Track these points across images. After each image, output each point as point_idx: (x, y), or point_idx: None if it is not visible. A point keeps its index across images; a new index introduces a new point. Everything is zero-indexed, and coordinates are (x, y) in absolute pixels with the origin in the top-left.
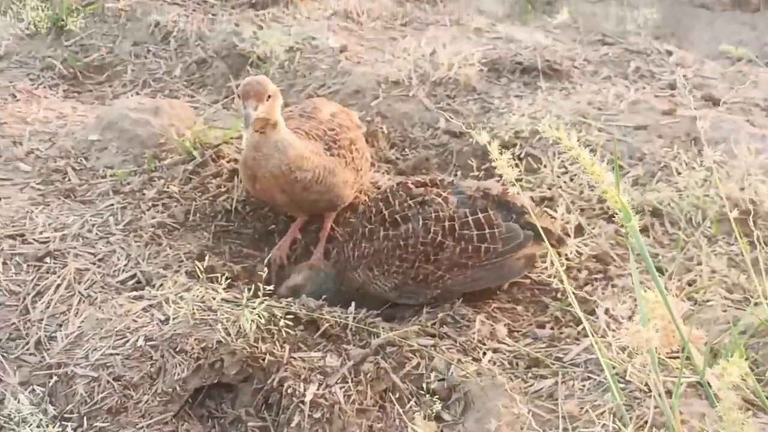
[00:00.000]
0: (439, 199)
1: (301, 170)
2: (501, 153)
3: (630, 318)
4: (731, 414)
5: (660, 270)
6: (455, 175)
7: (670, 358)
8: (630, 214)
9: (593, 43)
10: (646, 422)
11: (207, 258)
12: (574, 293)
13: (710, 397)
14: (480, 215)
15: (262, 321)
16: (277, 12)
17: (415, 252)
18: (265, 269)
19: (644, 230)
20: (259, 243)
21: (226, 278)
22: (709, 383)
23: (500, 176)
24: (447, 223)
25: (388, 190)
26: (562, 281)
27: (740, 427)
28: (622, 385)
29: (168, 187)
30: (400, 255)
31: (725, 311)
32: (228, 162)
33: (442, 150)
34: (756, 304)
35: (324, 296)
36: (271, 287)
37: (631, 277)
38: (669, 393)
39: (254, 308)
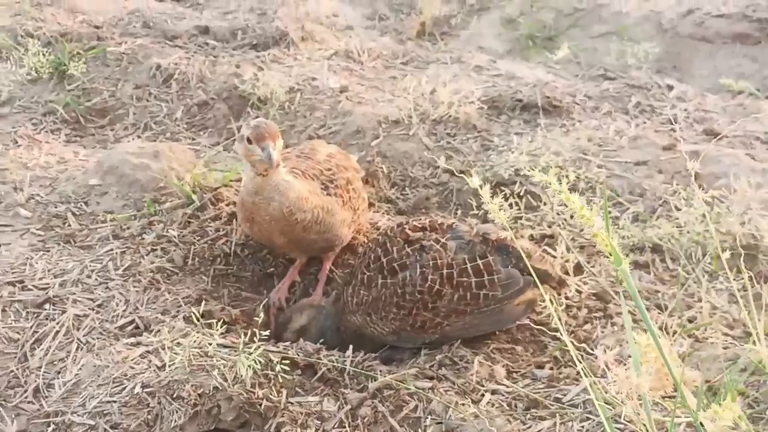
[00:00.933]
0: (438, 246)
1: (301, 211)
2: (493, 196)
3: (630, 356)
4: None
5: (660, 307)
6: (456, 214)
7: (666, 398)
8: (620, 258)
9: (594, 78)
10: None
11: (204, 303)
12: (573, 332)
13: None
14: (479, 261)
15: (259, 366)
16: (278, 53)
17: (413, 300)
18: (262, 314)
19: (645, 266)
20: (258, 286)
21: (224, 323)
22: (703, 425)
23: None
24: (445, 271)
25: (386, 236)
26: (560, 319)
27: None
28: (620, 426)
29: (167, 232)
30: (397, 302)
31: (726, 348)
32: (227, 205)
33: (443, 189)
34: (755, 341)
35: (327, 334)
36: (268, 332)
37: (630, 316)
38: None
39: (251, 353)
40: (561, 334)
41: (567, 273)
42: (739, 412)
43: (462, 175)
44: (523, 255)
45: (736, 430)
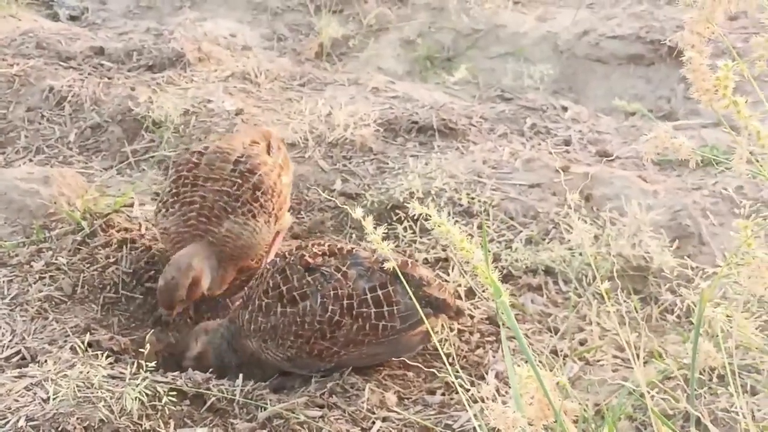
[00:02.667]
0: (338, 275)
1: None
2: (376, 227)
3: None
4: None
5: (552, 330)
6: (351, 238)
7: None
8: (500, 290)
9: (491, 99)
10: None
11: (92, 332)
12: (465, 356)
13: None
14: (379, 292)
15: (146, 397)
16: (173, 75)
17: (311, 329)
18: (148, 345)
19: (538, 289)
20: (149, 314)
21: (112, 352)
22: None
23: (398, 242)
24: (345, 302)
25: (285, 262)
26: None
27: None
28: None
29: (56, 259)
30: (296, 331)
31: (615, 371)
32: (118, 231)
33: (338, 212)
34: (645, 362)
35: (225, 357)
36: (154, 363)
37: (521, 345)
38: None
39: (137, 384)
40: (454, 359)
41: (459, 297)
42: None
43: (346, 205)
44: (416, 284)
45: None
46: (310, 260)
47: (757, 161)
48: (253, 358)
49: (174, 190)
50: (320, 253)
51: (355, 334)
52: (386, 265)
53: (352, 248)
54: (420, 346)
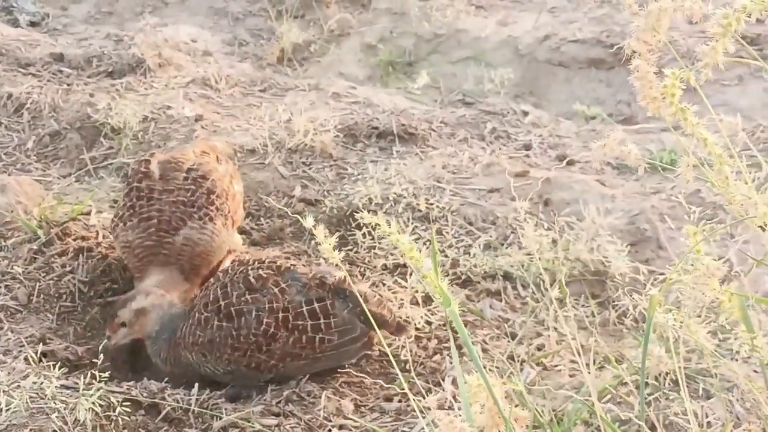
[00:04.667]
0: (276, 290)
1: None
2: (328, 235)
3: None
4: None
5: (510, 335)
6: (310, 244)
7: None
8: (450, 300)
9: (453, 103)
10: None
11: (46, 343)
12: (422, 363)
13: None
14: (316, 305)
15: (100, 408)
16: (133, 81)
17: (247, 342)
18: (101, 354)
19: (497, 294)
20: (105, 324)
21: (68, 362)
22: None
23: (357, 248)
24: (281, 315)
25: (227, 279)
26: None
27: None
28: None
29: (12, 268)
30: (232, 344)
31: (572, 376)
32: (75, 240)
33: (297, 219)
34: (600, 367)
35: (164, 333)
36: (107, 374)
37: (471, 353)
38: None
39: (91, 395)
40: (411, 365)
41: (417, 303)
42: None
43: (296, 216)
44: (363, 296)
45: None
46: (252, 280)
47: (707, 167)
48: (190, 370)
49: (129, 203)
50: (264, 275)
51: (291, 347)
52: (329, 279)
53: (291, 265)
54: (361, 353)
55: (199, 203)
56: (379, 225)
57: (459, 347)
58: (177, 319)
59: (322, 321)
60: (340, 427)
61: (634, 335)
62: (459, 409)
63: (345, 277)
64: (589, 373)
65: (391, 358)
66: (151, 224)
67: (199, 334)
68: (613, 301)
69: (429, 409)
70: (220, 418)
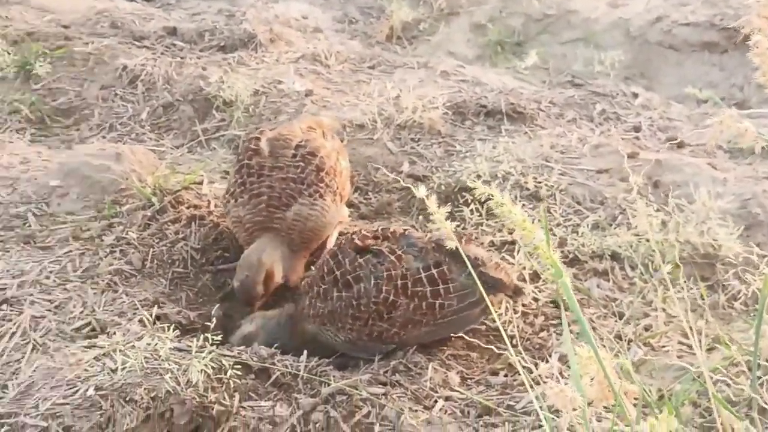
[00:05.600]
0: (392, 257)
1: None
2: (455, 203)
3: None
4: None
5: (617, 314)
6: (417, 219)
7: (607, 409)
8: (561, 271)
9: (562, 84)
10: None
11: (160, 306)
12: (528, 339)
13: None
14: (434, 271)
15: (212, 370)
16: (245, 55)
17: (367, 311)
18: (215, 318)
19: (604, 274)
20: (216, 291)
21: (180, 326)
22: None
23: (464, 224)
24: (399, 282)
25: (338, 248)
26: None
27: None
28: None
29: (126, 234)
30: (352, 314)
31: (680, 357)
32: (187, 208)
33: (405, 194)
34: (710, 349)
35: (276, 345)
36: (220, 337)
37: (581, 325)
38: None
39: (203, 357)
40: (517, 340)
41: (524, 280)
42: (675, 425)
43: (409, 185)
44: (482, 259)
45: None
46: (359, 242)
47: None
48: (314, 343)
49: (240, 180)
50: (371, 236)
51: (412, 314)
52: (445, 243)
53: (405, 230)
54: (480, 319)
55: (309, 180)
56: (492, 196)
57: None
58: (285, 328)
59: (441, 287)
60: (446, 398)
61: (745, 318)
62: (566, 383)
63: (461, 241)
64: (700, 351)
65: (502, 331)
66: (261, 200)
67: (319, 306)
68: (723, 284)
69: (538, 383)
70: (328, 385)
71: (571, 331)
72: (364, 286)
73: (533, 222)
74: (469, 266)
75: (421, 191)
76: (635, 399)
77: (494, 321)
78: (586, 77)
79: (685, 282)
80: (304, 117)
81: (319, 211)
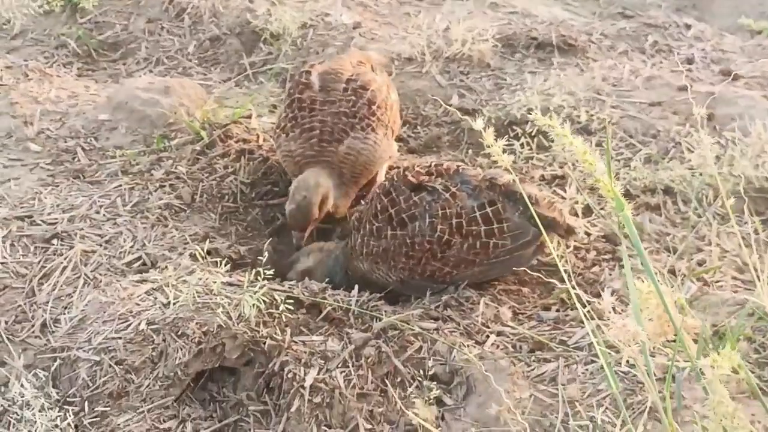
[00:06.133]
0: (447, 195)
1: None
2: (505, 136)
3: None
4: (721, 408)
5: (670, 249)
6: (467, 153)
7: (667, 345)
8: (623, 204)
9: (612, 16)
10: (647, 407)
11: (211, 241)
12: (581, 274)
13: (704, 387)
14: (488, 209)
15: (263, 305)
16: None
17: (422, 249)
18: (266, 253)
19: (656, 208)
20: (265, 226)
21: (230, 260)
22: (702, 372)
23: (515, 158)
24: (454, 221)
25: (391, 185)
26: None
27: (731, 419)
28: (626, 369)
29: (176, 168)
30: (406, 252)
31: (735, 292)
32: (236, 142)
33: (454, 128)
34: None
35: (335, 278)
36: (272, 271)
37: (639, 259)
38: (673, 378)
39: (255, 292)
40: (570, 275)
41: (576, 215)
42: (738, 361)
43: (466, 116)
44: (535, 198)
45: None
46: (413, 179)
47: None
48: (363, 280)
49: (291, 114)
50: (424, 172)
51: (465, 253)
52: (500, 180)
53: (458, 166)
54: (533, 259)
55: (361, 114)
56: (552, 126)
57: (618, 259)
58: (341, 261)
59: (495, 226)
60: (498, 333)
61: None
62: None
63: (514, 179)
64: (759, 285)
65: (559, 265)
66: (313, 135)
67: (372, 244)
68: None
69: (592, 318)
70: (380, 320)
71: (622, 266)
72: (419, 224)
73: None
74: (529, 204)
75: (477, 124)
76: (696, 334)
77: (547, 256)
78: (637, 8)
79: (738, 216)
80: (352, 51)
81: (371, 145)
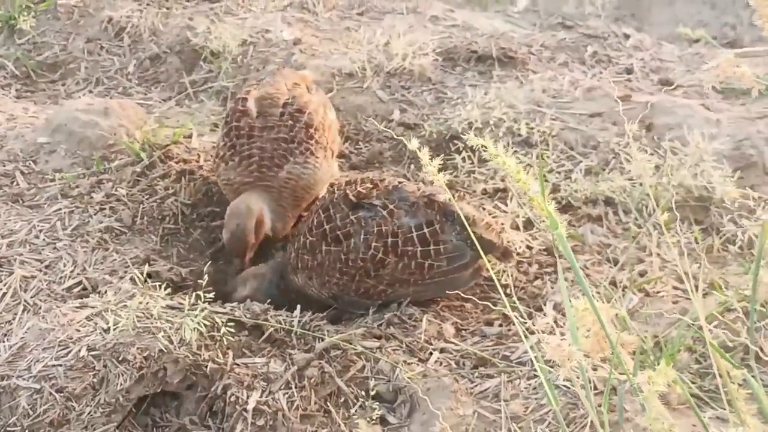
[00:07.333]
0: (384, 212)
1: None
2: (433, 158)
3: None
4: (657, 424)
5: (612, 261)
6: (409, 168)
7: (604, 360)
8: (557, 222)
9: (553, 27)
10: (589, 422)
11: (151, 264)
12: (523, 287)
13: (641, 403)
14: (425, 230)
15: (205, 328)
16: (231, 5)
17: (355, 266)
18: (206, 276)
19: (598, 219)
20: (207, 247)
21: (171, 283)
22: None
23: (456, 172)
24: (390, 239)
25: (330, 201)
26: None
27: None
28: (568, 384)
29: (116, 190)
30: (340, 268)
31: (675, 302)
32: (177, 163)
33: (396, 143)
34: (705, 294)
35: (275, 300)
36: (212, 294)
37: (578, 277)
38: (614, 390)
39: (196, 315)
40: (512, 290)
41: (517, 228)
42: (673, 377)
43: (405, 134)
44: (467, 224)
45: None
46: (353, 198)
47: None
48: (299, 295)
49: (230, 143)
50: (365, 190)
51: (400, 273)
52: (438, 198)
53: (398, 182)
54: (470, 283)
55: (299, 138)
56: (485, 147)
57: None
58: (275, 281)
59: (431, 247)
60: (441, 350)
61: (740, 262)
62: (562, 333)
63: (451, 199)
64: (695, 297)
65: (496, 281)
66: (252, 161)
67: (306, 258)
68: (718, 227)
69: (533, 332)
70: (322, 340)
71: (565, 279)
72: (354, 241)
73: (527, 170)
74: (467, 226)
75: (413, 143)
76: (632, 350)
77: (487, 270)
78: (577, 19)
79: (679, 226)
80: (286, 72)
81: (311, 170)
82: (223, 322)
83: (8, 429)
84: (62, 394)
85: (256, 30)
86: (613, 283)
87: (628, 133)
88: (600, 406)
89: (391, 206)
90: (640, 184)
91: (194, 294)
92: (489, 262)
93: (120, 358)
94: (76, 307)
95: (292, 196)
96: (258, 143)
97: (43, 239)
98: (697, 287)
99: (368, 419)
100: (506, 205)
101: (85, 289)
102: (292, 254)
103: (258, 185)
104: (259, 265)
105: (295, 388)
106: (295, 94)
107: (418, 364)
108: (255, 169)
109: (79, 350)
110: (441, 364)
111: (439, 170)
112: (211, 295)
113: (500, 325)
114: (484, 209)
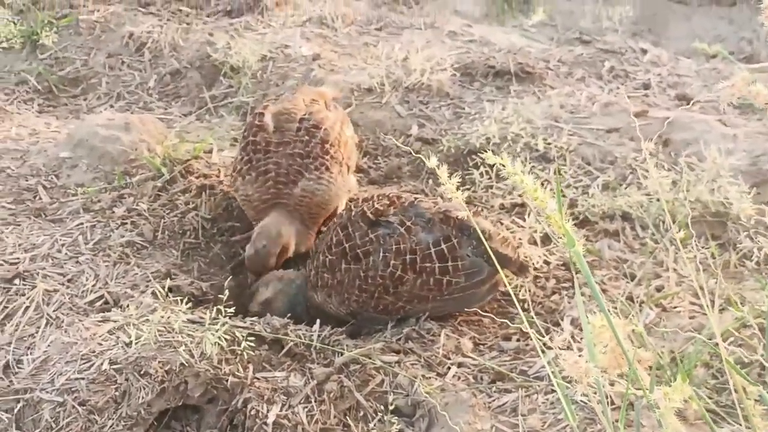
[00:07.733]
0: (402, 229)
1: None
2: (451, 174)
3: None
4: None
5: (628, 276)
6: (427, 183)
7: (621, 376)
8: (574, 240)
9: (569, 42)
10: None
11: (173, 278)
12: (540, 302)
13: (658, 419)
14: (443, 246)
15: (225, 342)
16: (251, 20)
17: (374, 284)
18: (227, 290)
19: (615, 235)
20: (227, 261)
21: (192, 297)
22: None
23: (474, 187)
24: (408, 257)
25: (348, 218)
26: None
27: None
28: (585, 399)
29: (137, 205)
30: (359, 286)
31: (692, 318)
32: (197, 178)
33: (415, 158)
34: (722, 309)
35: (297, 308)
36: (233, 309)
37: (595, 295)
38: (631, 405)
39: (217, 329)
40: (529, 304)
41: (535, 243)
42: (689, 393)
43: (423, 150)
44: (483, 239)
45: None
46: (371, 216)
47: None
48: (319, 310)
49: (246, 158)
50: (382, 207)
51: (419, 289)
52: (454, 214)
53: (415, 198)
54: (488, 298)
55: (314, 153)
56: (503, 165)
57: (578, 287)
58: (303, 290)
59: (450, 263)
60: (459, 364)
61: (757, 277)
62: (579, 348)
63: (468, 215)
64: (711, 313)
65: (513, 297)
66: (269, 177)
67: (327, 277)
68: (735, 243)
69: (550, 348)
70: (342, 354)
71: (582, 294)
72: (373, 258)
73: (544, 185)
74: (484, 241)
75: (432, 161)
76: (649, 365)
77: (506, 286)
78: (594, 34)
79: (696, 241)
80: (305, 89)
81: (325, 185)
82: (243, 336)
83: None
84: (85, 408)
85: (275, 45)
86: (630, 298)
87: (645, 149)
88: (617, 421)
89: (408, 223)
90: (657, 200)
91: (215, 308)
92: (506, 276)
93: (142, 372)
94: (98, 321)
95: (308, 212)
96: (274, 158)
97: (66, 253)
98: (713, 303)
99: None
100: (524, 220)
101: (107, 303)
102: (312, 272)
103: (275, 203)
104: (286, 270)
105: (315, 402)
106: (312, 110)
107: (436, 379)
108: (272, 185)
109: (102, 364)
110: (459, 378)
111: (458, 187)
112: (232, 309)
113: (518, 340)
114: (502, 224)
